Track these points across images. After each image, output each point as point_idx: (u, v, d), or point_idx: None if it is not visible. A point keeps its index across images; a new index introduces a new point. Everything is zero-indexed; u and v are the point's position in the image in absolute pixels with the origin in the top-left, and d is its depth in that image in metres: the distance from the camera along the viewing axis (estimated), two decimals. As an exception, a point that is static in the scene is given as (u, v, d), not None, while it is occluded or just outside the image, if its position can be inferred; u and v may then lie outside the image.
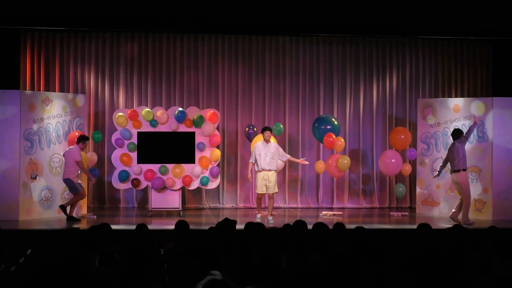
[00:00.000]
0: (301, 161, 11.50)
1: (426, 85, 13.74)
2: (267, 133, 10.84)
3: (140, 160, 11.57)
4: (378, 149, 13.48)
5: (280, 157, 11.02)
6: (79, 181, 10.96)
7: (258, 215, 10.88)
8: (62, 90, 12.79)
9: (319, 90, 13.56)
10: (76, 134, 11.36)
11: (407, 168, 12.17)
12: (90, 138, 11.96)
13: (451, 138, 11.07)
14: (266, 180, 10.79)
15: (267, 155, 10.77)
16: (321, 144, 12.76)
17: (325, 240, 6.16)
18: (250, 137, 12.37)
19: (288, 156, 11.23)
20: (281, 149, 11.07)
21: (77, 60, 13.03)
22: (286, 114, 13.49)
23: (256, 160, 10.85)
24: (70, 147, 10.98)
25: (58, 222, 10.62)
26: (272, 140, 11.60)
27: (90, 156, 11.71)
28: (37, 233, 9.61)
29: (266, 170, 10.79)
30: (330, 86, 13.58)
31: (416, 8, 11.44)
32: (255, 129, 12.38)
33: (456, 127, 11.32)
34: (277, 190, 11.11)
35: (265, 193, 10.96)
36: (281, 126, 12.45)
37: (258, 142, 11.10)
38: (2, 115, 10.88)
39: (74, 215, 10.94)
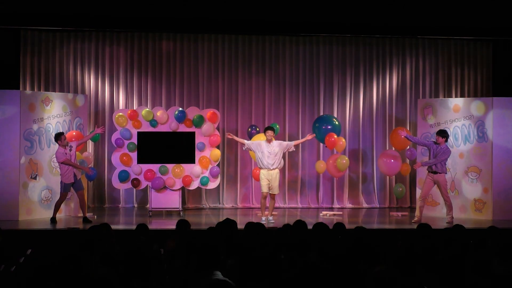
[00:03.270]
0: (307, 137, 11.32)
1: (426, 85, 13.74)
2: (269, 132, 10.83)
3: (140, 160, 11.57)
4: (378, 149, 13.48)
5: (286, 149, 10.99)
6: (72, 181, 10.71)
7: (263, 218, 10.80)
8: (62, 90, 12.79)
9: (319, 90, 13.56)
10: (74, 134, 11.34)
11: (406, 168, 12.18)
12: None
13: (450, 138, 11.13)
14: (269, 180, 10.77)
15: (270, 153, 10.77)
16: (321, 144, 12.76)
17: (325, 240, 6.16)
18: (252, 138, 12.35)
19: (292, 142, 11.13)
20: (283, 143, 11.00)
21: (77, 60, 13.03)
22: (286, 114, 13.48)
23: (260, 158, 10.81)
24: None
25: (58, 222, 10.62)
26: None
27: (86, 156, 11.69)
28: (37, 233, 9.61)
29: (270, 169, 10.78)
30: (330, 86, 13.58)
31: (416, 8, 11.44)
32: (258, 129, 12.37)
33: (446, 128, 11.36)
34: (278, 192, 11.10)
35: (268, 193, 10.91)
36: (278, 126, 12.36)
37: (262, 140, 11.03)
38: (2, 115, 10.88)
39: (86, 216, 10.87)
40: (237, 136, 13.28)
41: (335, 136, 11.85)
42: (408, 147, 12.37)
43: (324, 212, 12.17)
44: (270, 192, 10.85)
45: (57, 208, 10.72)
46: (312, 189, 13.55)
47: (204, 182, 11.72)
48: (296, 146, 13.37)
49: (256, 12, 11.46)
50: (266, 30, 12.64)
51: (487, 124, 11.55)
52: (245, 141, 11.08)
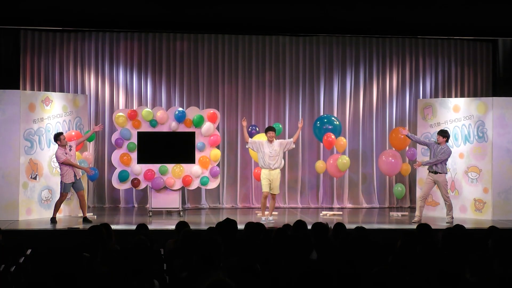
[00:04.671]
0: (299, 126, 11.26)
1: (426, 85, 13.75)
2: (270, 133, 10.88)
3: (140, 160, 11.57)
4: (378, 149, 13.48)
5: (287, 148, 11.03)
6: (73, 180, 10.72)
7: (263, 218, 10.83)
8: (62, 90, 12.79)
9: (319, 90, 13.56)
10: (73, 133, 11.34)
11: (406, 168, 12.17)
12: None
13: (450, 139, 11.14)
14: (270, 180, 10.80)
15: (271, 153, 10.81)
16: (321, 144, 12.76)
17: (325, 240, 6.16)
18: (252, 137, 12.35)
19: (291, 139, 11.17)
20: (283, 141, 11.07)
21: (77, 60, 13.03)
22: (286, 114, 13.49)
23: (261, 158, 10.86)
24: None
25: (58, 222, 10.61)
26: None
27: (86, 156, 11.69)
28: (37, 233, 9.61)
29: (271, 169, 10.81)
30: (330, 86, 13.58)
31: (416, 9, 11.42)
32: (258, 129, 12.37)
33: (446, 128, 11.35)
34: (278, 192, 11.13)
35: (269, 193, 10.93)
36: (280, 126, 12.40)
37: (263, 140, 11.07)
38: (2, 115, 10.88)
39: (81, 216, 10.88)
40: (236, 136, 13.37)
41: (332, 136, 11.85)
42: (408, 147, 12.36)
43: (324, 212, 12.17)
44: (271, 192, 10.88)
45: (57, 208, 10.72)
46: (312, 189, 13.55)
47: (204, 182, 11.72)
48: (297, 144, 13.41)
49: (256, 12, 11.45)
50: (266, 31, 12.62)
51: (487, 124, 11.55)
52: (249, 139, 11.10)
